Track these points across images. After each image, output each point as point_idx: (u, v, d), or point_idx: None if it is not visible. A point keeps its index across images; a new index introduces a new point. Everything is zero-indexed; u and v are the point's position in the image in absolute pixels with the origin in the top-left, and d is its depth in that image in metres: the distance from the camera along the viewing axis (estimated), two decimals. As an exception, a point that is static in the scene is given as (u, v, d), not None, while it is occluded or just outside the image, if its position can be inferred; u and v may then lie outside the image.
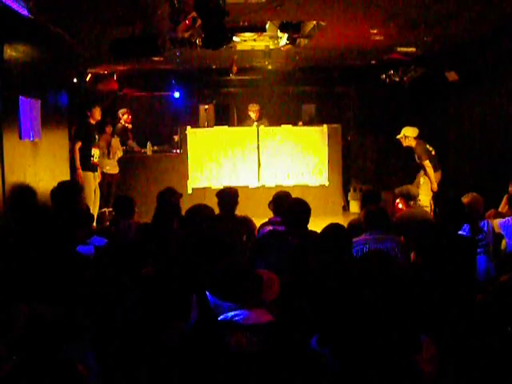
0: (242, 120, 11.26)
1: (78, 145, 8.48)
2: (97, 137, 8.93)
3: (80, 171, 8.43)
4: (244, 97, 12.59)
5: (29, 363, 2.30)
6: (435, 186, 8.45)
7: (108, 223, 7.89)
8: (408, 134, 8.64)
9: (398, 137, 8.74)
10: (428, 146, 8.62)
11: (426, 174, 8.55)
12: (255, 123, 10.84)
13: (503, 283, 3.89)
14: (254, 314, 2.59)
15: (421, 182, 8.62)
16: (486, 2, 6.27)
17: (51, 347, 2.43)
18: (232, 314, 2.59)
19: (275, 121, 11.09)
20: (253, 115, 10.92)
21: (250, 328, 2.52)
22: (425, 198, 8.27)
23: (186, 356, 2.44)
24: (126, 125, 10.85)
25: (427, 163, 8.48)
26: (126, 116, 10.83)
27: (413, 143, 8.62)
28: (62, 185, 6.36)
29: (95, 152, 8.81)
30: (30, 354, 2.37)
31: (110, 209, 9.01)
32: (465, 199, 5.28)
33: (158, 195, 6.17)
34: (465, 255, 4.43)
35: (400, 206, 6.30)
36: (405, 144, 8.72)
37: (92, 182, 8.67)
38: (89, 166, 8.63)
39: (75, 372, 2.28)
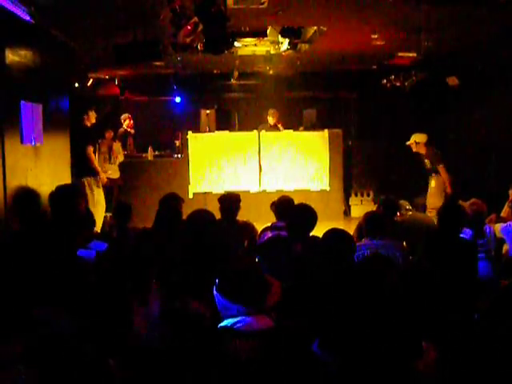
0: (259, 123, 11.24)
1: (91, 149, 8.44)
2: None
3: (101, 173, 8.48)
4: (245, 102, 12.61)
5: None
6: (450, 189, 8.52)
7: (108, 228, 7.88)
8: (418, 140, 8.73)
9: (408, 143, 8.81)
10: (437, 150, 8.74)
11: (437, 177, 8.67)
12: (270, 128, 10.87)
13: (505, 288, 3.88)
14: (255, 321, 2.57)
15: (432, 186, 8.71)
16: (487, 8, 6.28)
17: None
18: (233, 320, 2.58)
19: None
20: (271, 120, 10.94)
21: (250, 335, 2.51)
22: (434, 201, 8.35)
23: (183, 363, 2.42)
24: (128, 130, 10.87)
25: (442, 167, 8.57)
26: (127, 121, 10.86)
27: (423, 150, 8.70)
28: (60, 188, 6.34)
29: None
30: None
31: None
32: (468, 205, 5.28)
33: (161, 200, 6.16)
34: (465, 259, 4.43)
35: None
36: (414, 150, 8.80)
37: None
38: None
39: (106, 368, 2.27)
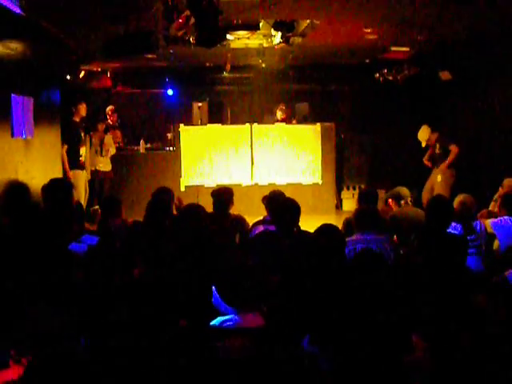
0: (265, 115, 11.26)
1: (65, 148, 8.45)
2: (82, 134, 8.89)
3: (69, 173, 8.41)
4: (237, 95, 12.57)
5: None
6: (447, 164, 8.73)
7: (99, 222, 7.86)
8: (427, 137, 8.95)
9: (424, 144, 9.08)
10: (445, 133, 9.03)
11: (438, 165, 8.82)
12: (277, 122, 10.86)
13: (495, 283, 3.90)
14: (245, 319, 2.57)
15: (438, 180, 8.77)
16: (479, 3, 6.29)
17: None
18: (222, 319, 2.58)
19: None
20: (279, 115, 10.95)
21: (240, 333, 2.51)
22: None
23: (173, 363, 2.41)
24: (111, 123, 10.74)
25: (454, 147, 8.72)
26: (108, 116, 10.73)
27: (434, 138, 8.90)
28: (53, 182, 6.31)
29: (82, 151, 8.81)
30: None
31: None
32: (457, 200, 5.29)
33: (153, 194, 6.13)
34: (453, 254, 4.43)
35: (392, 205, 6.30)
36: (432, 143, 9.06)
37: (82, 180, 8.66)
38: (78, 165, 8.63)
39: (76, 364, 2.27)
